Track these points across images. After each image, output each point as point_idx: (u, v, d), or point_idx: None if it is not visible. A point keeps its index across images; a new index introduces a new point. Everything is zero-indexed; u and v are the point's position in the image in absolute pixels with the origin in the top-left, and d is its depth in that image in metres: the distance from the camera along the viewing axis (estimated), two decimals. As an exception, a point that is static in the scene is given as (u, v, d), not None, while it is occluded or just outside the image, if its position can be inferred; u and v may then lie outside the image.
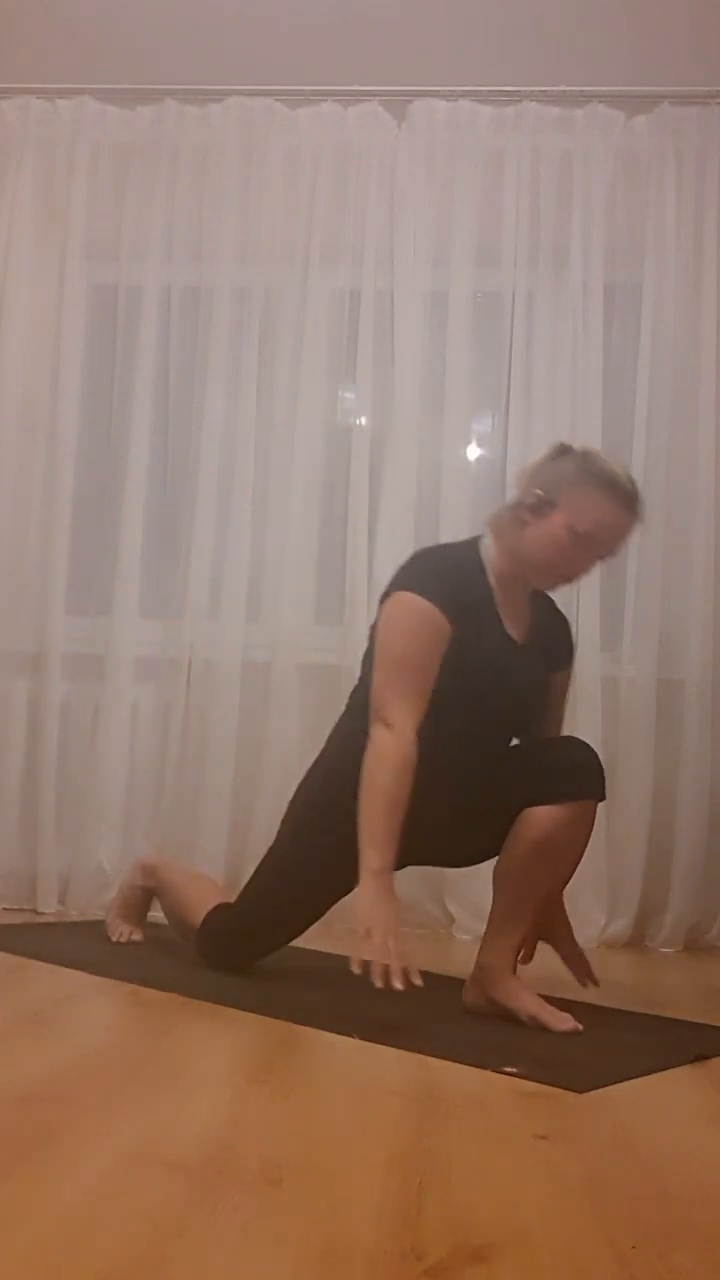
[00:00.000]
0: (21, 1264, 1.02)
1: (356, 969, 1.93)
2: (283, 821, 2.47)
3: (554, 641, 2.38)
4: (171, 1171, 1.27)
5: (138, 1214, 1.15)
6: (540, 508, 2.20)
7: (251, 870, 2.51)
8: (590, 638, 3.27)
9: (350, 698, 2.39)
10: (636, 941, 3.20)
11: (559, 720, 2.44)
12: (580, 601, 3.30)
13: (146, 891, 2.77)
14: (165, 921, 2.75)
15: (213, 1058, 1.82)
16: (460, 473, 3.39)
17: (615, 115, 3.44)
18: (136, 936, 2.76)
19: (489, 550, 2.28)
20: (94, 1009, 2.20)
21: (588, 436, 3.32)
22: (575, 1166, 1.37)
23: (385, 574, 3.27)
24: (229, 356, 3.45)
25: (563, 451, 2.26)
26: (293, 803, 2.46)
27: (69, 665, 3.38)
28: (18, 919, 3.13)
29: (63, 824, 3.31)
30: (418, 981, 1.92)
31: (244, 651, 3.33)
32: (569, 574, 2.27)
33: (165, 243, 3.50)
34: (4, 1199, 1.18)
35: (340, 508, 3.41)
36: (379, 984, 1.91)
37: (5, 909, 3.25)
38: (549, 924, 2.29)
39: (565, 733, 2.45)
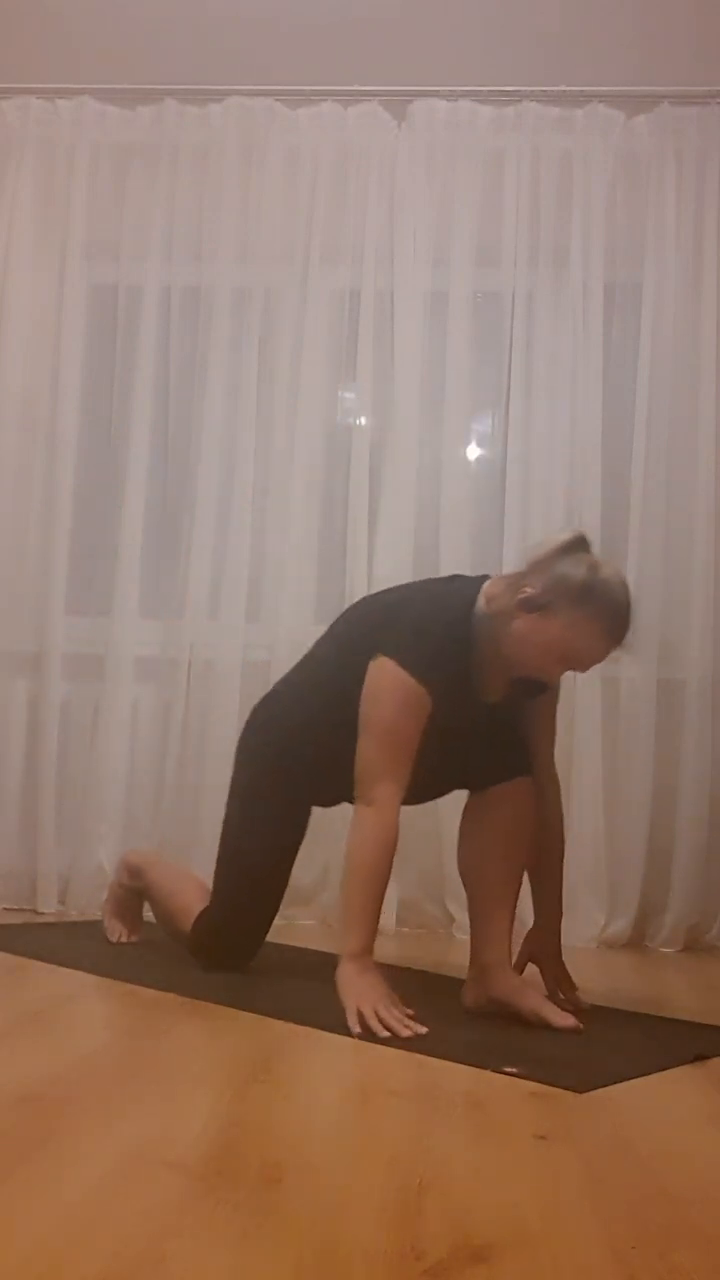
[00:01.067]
0: (21, 1264, 1.02)
1: (357, 1034, 1.94)
2: (227, 805, 2.50)
3: (532, 682, 2.30)
4: (171, 1171, 1.27)
5: (138, 1214, 1.15)
6: (534, 609, 2.12)
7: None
8: (590, 638, 3.27)
9: (296, 671, 2.46)
10: (636, 941, 3.20)
11: (550, 743, 2.40)
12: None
13: (135, 890, 2.76)
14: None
15: (213, 1058, 1.82)
16: (460, 473, 3.39)
17: (615, 115, 3.44)
18: (134, 937, 2.77)
19: (480, 621, 2.18)
20: (94, 1009, 2.20)
21: (588, 436, 3.33)
22: (575, 1166, 1.37)
23: (385, 574, 3.30)
24: (229, 356, 3.45)
25: (574, 549, 2.14)
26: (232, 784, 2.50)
27: (69, 665, 3.38)
28: (18, 919, 3.13)
29: (63, 824, 3.31)
30: (422, 1030, 1.94)
31: (244, 651, 3.33)
32: (542, 676, 2.22)
33: (165, 243, 3.50)
34: (4, 1199, 1.18)
35: (340, 508, 3.41)
36: (382, 1036, 1.92)
37: (5, 909, 3.25)
38: (541, 946, 2.33)
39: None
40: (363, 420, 3.42)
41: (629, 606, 2.13)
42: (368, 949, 2.07)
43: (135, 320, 3.49)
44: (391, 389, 3.41)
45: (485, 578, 2.27)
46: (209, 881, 2.49)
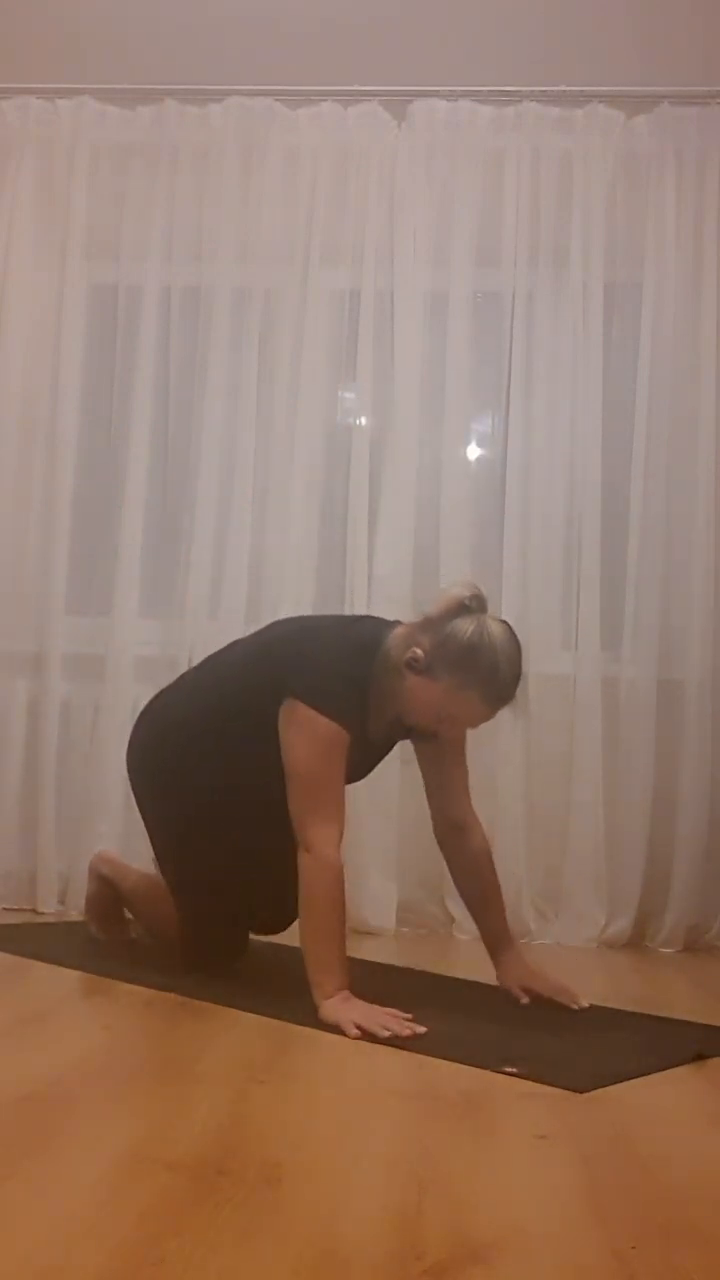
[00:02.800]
0: (21, 1264, 1.02)
1: (356, 1035, 1.94)
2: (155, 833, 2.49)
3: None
4: (171, 1171, 1.26)
5: (138, 1214, 1.15)
6: (419, 670, 2.15)
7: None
8: (590, 638, 3.28)
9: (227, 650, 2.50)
10: (636, 941, 3.20)
11: (463, 781, 2.40)
12: (580, 601, 3.31)
13: (112, 892, 2.74)
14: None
15: (213, 1058, 1.82)
16: (460, 473, 3.39)
17: (615, 115, 3.44)
18: (124, 935, 2.74)
19: (379, 666, 2.21)
20: (94, 1009, 2.20)
21: (588, 436, 3.33)
22: (575, 1166, 1.37)
23: (385, 574, 3.31)
24: (229, 356, 3.45)
25: (464, 610, 2.16)
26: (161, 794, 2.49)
27: (69, 665, 3.38)
28: (18, 919, 3.13)
29: (63, 824, 3.31)
30: (421, 1030, 1.94)
31: (244, 651, 3.32)
32: (427, 731, 2.27)
33: (165, 243, 3.50)
34: (4, 1199, 1.18)
35: (340, 508, 3.40)
36: (383, 1036, 1.93)
37: (5, 909, 3.25)
38: (521, 973, 2.34)
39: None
40: (363, 420, 3.42)
41: (516, 667, 2.15)
42: (344, 986, 2.06)
43: (135, 320, 3.48)
44: (391, 389, 3.41)
45: (396, 623, 2.30)
46: None
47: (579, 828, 3.24)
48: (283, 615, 3.32)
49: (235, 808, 2.37)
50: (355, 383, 3.44)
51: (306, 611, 3.34)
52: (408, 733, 2.36)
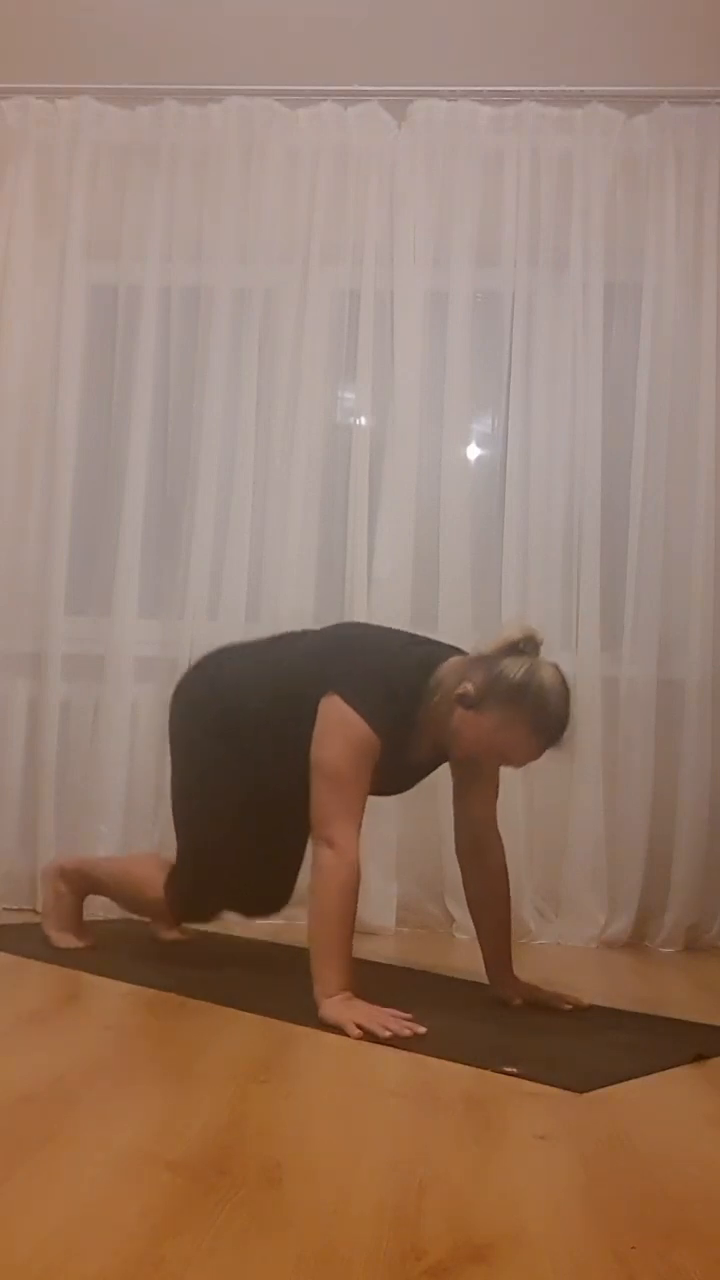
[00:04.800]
0: (22, 1264, 1.02)
1: (357, 1035, 1.95)
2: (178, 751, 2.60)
3: None
4: (171, 1171, 1.27)
5: (138, 1214, 1.15)
6: (469, 705, 2.19)
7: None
8: (590, 638, 3.28)
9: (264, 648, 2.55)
10: (636, 941, 3.20)
11: (492, 801, 2.42)
12: (580, 601, 3.31)
13: (74, 897, 2.75)
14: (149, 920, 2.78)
15: (213, 1058, 1.82)
16: (460, 473, 3.39)
17: (615, 115, 3.44)
18: (86, 941, 2.70)
19: (431, 692, 2.24)
20: (94, 1009, 2.20)
21: (588, 436, 3.33)
22: (575, 1166, 1.37)
23: (385, 574, 3.31)
24: (229, 356, 3.45)
25: (520, 650, 2.21)
26: (184, 725, 2.59)
27: (69, 665, 3.38)
28: (18, 919, 3.13)
29: (63, 824, 3.31)
30: (421, 1029, 1.95)
31: (244, 652, 3.33)
32: (476, 762, 2.31)
33: (165, 243, 3.50)
34: (4, 1199, 1.18)
35: (340, 508, 3.40)
36: (383, 1036, 1.94)
37: (5, 909, 3.25)
38: (522, 989, 2.36)
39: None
40: (363, 420, 3.42)
41: (564, 709, 2.18)
42: (346, 986, 2.08)
43: (135, 320, 3.48)
44: (391, 389, 3.41)
45: (456, 650, 2.35)
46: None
47: (579, 828, 3.24)
48: (282, 615, 3.33)
49: (263, 774, 2.42)
50: (355, 383, 3.44)
51: (306, 612, 3.35)
52: (446, 755, 2.39)
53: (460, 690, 2.19)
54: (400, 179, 3.47)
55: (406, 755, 2.30)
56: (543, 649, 2.24)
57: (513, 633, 2.24)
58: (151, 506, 3.44)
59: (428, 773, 2.47)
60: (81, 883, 2.74)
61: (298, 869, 2.52)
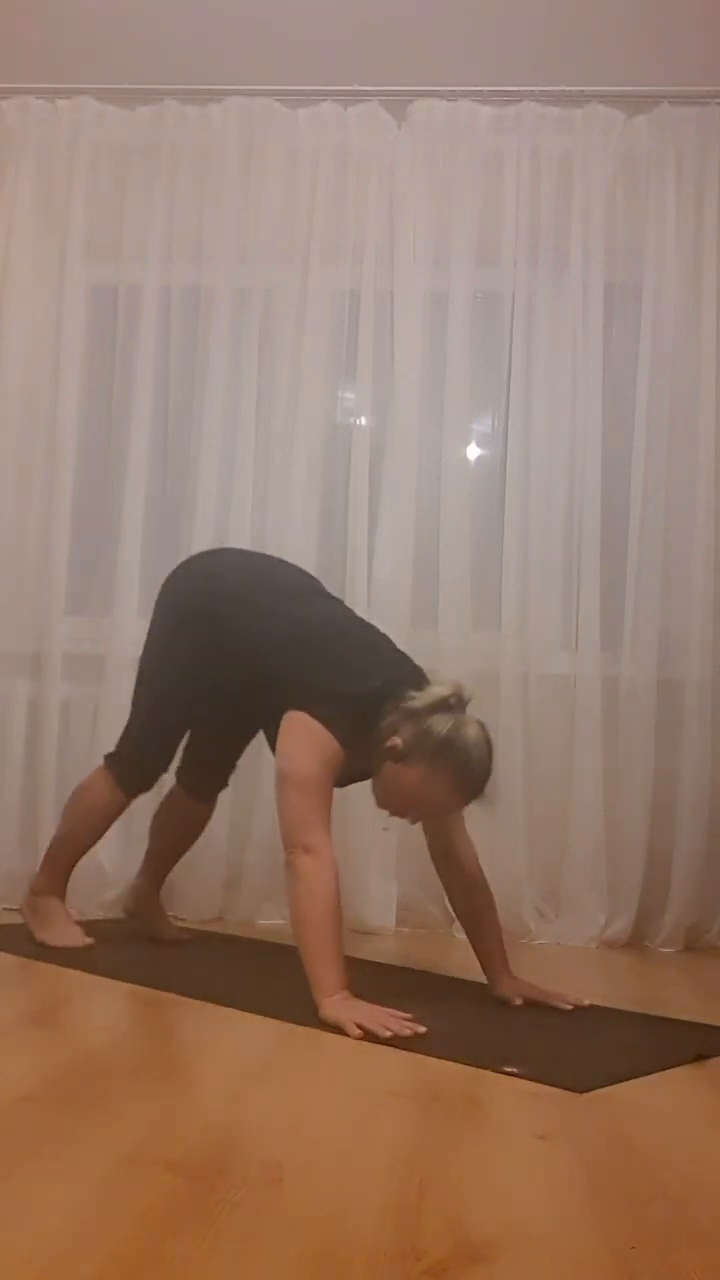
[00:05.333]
0: (21, 1264, 1.02)
1: (357, 1035, 1.95)
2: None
3: None
4: (171, 1171, 1.27)
5: (138, 1214, 1.15)
6: (396, 758, 2.26)
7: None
8: (590, 638, 3.28)
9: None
10: (636, 941, 3.20)
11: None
12: (580, 601, 3.31)
13: (53, 897, 2.77)
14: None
15: (213, 1058, 1.83)
16: (460, 473, 3.39)
17: (615, 115, 3.44)
18: (82, 941, 2.70)
19: (381, 721, 2.31)
20: (94, 1009, 2.21)
21: (588, 436, 3.33)
22: (575, 1166, 1.37)
23: (385, 574, 3.30)
24: (229, 356, 3.44)
25: (446, 708, 2.27)
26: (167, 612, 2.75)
27: (69, 665, 3.38)
28: (18, 919, 3.12)
29: (63, 824, 3.31)
30: (421, 1029, 1.96)
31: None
32: (396, 814, 2.36)
33: (165, 243, 3.50)
34: (4, 1199, 1.18)
35: (340, 508, 3.40)
36: (384, 1036, 1.94)
37: (5, 909, 3.24)
38: (521, 988, 2.36)
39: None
40: (363, 420, 3.42)
41: (486, 765, 2.26)
42: (343, 985, 2.08)
43: (135, 320, 3.48)
44: (391, 389, 3.41)
45: (423, 677, 2.41)
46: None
47: (579, 827, 3.23)
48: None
49: (221, 670, 2.59)
50: (355, 383, 3.44)
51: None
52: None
53: (389, 744, 2.26)
54: (400, 179, 3.47)
55: (355, 765, 2.37)
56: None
57: (442, 689, 2.31)
58: (151, 506, 3.44)
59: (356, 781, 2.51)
60: (51, 876, 2.77)
61: (234, 761, 2.84)
